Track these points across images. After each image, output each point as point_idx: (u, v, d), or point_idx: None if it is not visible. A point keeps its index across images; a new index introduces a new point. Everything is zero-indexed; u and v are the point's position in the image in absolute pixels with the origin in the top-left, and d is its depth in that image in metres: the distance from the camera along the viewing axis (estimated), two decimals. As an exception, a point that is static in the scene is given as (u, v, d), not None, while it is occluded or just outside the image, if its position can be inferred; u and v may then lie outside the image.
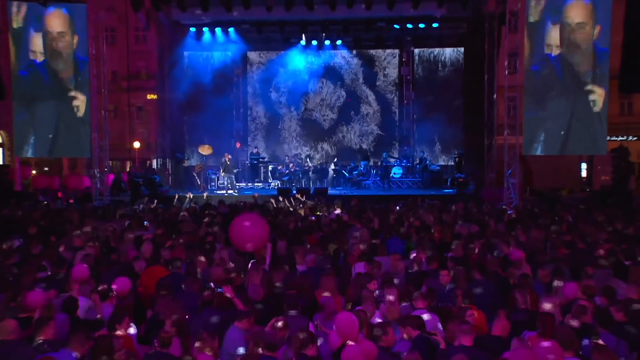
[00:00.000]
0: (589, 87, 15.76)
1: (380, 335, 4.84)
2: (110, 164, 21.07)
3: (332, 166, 21.39)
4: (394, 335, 4.96)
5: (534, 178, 21.03)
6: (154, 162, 24.23)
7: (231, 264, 7.46)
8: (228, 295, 5.99)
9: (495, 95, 19.14)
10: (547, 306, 5.42)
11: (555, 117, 16.23)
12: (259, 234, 8.12)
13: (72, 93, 17.30)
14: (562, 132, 16.15)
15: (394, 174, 20.99)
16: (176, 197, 16.47)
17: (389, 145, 23.13)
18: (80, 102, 17.37)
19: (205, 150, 19.73)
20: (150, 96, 29.04)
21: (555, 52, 15.97)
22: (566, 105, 16.06)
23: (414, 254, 8.13)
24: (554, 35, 15.96)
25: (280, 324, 5.06)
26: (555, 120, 16.25)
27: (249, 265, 7.39)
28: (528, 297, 5.85)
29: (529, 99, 16.42)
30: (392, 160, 21.46)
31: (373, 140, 23.47)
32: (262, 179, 21.13)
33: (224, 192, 18.91)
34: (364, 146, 23.27)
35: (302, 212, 13.18)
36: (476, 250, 8.42)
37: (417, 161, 21.69)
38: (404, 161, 21.73)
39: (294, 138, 23.64)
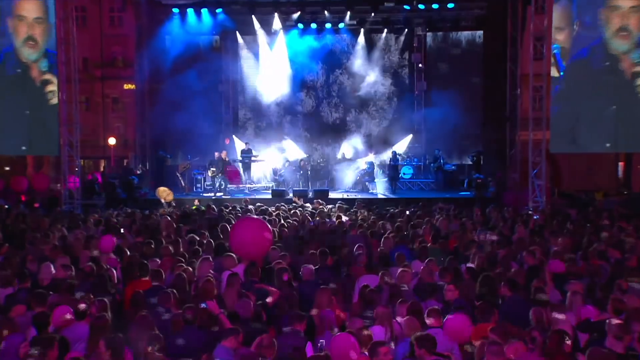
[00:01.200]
0: (636, 69, 15.63)
1: (371, 356, 4.91)
2: (82, 163, 21.06)
3: (333, 165, 21.39)
4: (388, 356, 4.99)
5: (563, 179, 21.04)
6: (132, 161, 24.22)
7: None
8: (213, 311, 6.00)
9: (518, 85, 19.13)
10: (559, 321, 5.48)
11: (590, 109, 16.13)
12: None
13: (45, 77, 17.21)
14: (603, 126, 16.02)
15: (404, 174, 20.99)
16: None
17: (398, 141, 23.08)
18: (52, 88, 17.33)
19: (164, 194, 17.81)
20: (127, 86, 29.02)
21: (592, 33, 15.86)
22: (607, 97, 15.96)
23: (423, 265, 8.13)
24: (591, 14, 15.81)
25: (265, 342, 5.07)
26: (591, 113, 16.15)
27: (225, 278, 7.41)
28: (544, 314, 5.88)
29: (561, 89, 16.31)
30: (401, 158, 21.45)
31: (379, 135, 23.42)
32: (254, 179, 21.12)
33: (212, 194, 18.91)
34: (370, 143, 23.19)
35: (299, 216, 13.17)
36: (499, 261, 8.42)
37: (431, 160, 21.66)
38: (415, 160, 21.71)
39: (290, 132, 23.55)
